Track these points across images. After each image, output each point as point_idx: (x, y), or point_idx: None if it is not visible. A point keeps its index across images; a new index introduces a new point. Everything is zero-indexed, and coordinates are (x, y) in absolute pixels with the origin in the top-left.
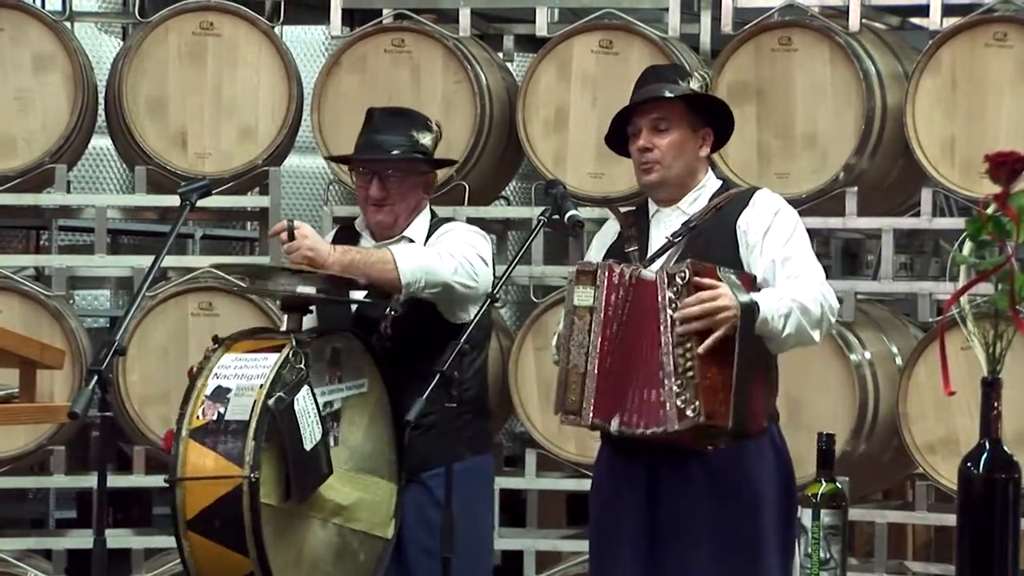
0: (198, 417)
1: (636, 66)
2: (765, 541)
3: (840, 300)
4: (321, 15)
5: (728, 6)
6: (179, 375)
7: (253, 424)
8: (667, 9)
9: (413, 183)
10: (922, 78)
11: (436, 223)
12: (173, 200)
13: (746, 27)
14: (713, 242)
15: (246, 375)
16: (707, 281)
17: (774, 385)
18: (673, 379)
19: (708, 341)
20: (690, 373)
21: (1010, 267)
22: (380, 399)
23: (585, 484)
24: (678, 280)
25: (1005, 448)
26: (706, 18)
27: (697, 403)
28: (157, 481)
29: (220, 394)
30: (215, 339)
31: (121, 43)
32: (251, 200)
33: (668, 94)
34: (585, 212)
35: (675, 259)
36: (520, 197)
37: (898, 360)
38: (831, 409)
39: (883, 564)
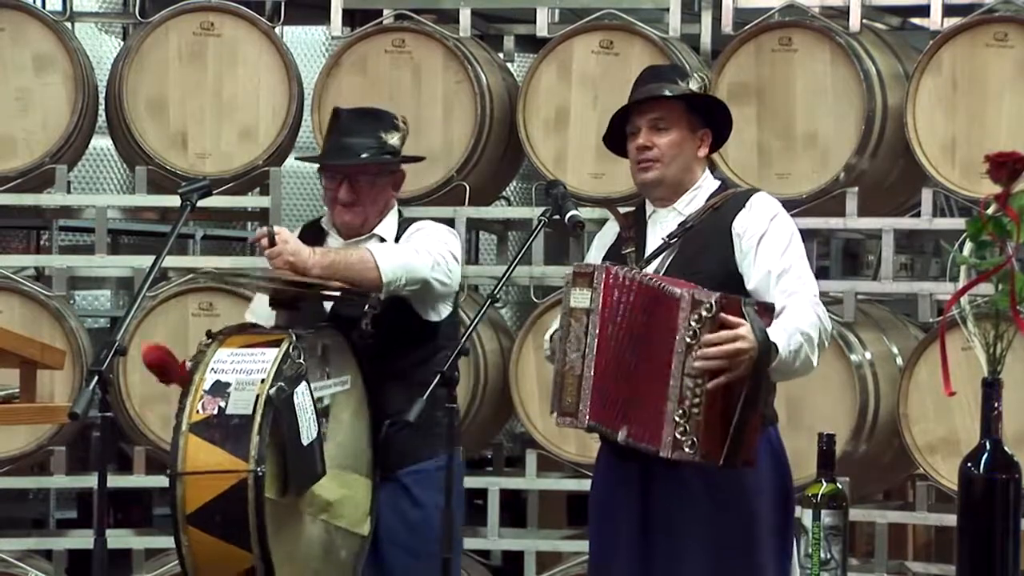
0: (198, 411)
1: (637, 66)
2: (760, 542)
3: (840, 300)
4: (321, 15)
5: (728, 6)
6: None
7: (258, 418)
8: (667, 9)
9: (382, 184)
10: (923, 78)
11: (404, 222)
12: (173, 200)
13: (746, 27)
14: (708, 243)
15: (245, 370)
16: (732, 319)
17: (771, 388)
18: (676, 407)
19: (720, 380)
20: (695, 410)
21: (1010, 267)
22: (361, 396)
23: (585, 484)
24: (703, 312)
25: (1006, 448)
26: (706, 18)
27: (694, 439)
28: (157, 481)
29: (219, 388)
30: (208, 333)
31: (121, 43)
32: (252, 200)
33: (668, 93)
34: (585, 212)
35: (669, 260)
36: (520, 197)
37: (898, 360)
38: (831, 409)
39: (883, 564)
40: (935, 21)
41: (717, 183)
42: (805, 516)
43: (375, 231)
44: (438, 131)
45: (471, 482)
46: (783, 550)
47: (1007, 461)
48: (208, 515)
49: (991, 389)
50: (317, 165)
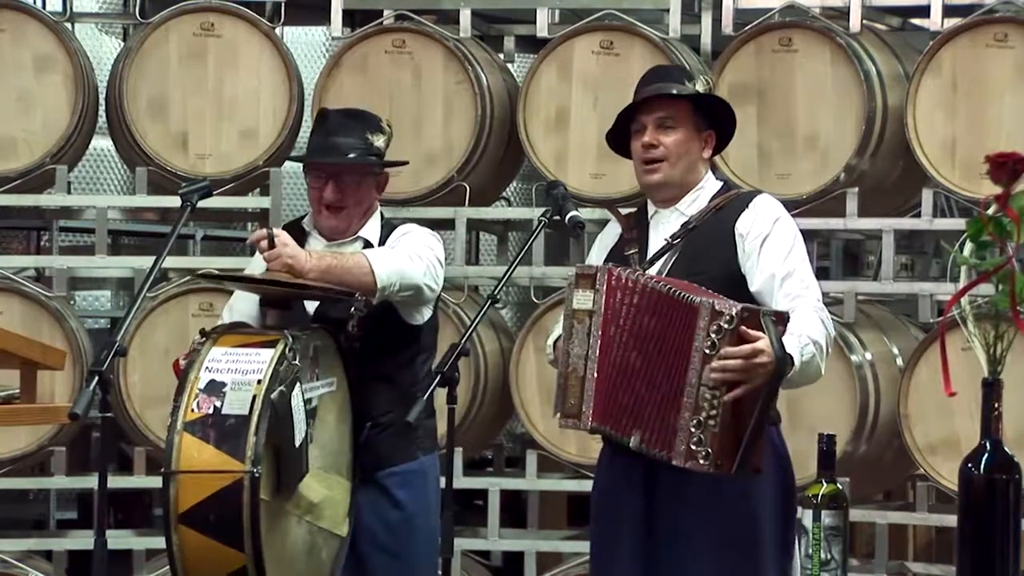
0: (192, 410)
1: (637, 67)
2: (763, 543)
3: (840, 301)
4: (322, 16)
5: (729, 7)
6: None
7: (255, 419)
8: (668, 10)
9: (367, 185)
10: (923, 79)
11: (386, 224)
12: (174, 201)
13: (747, 28)
14: (710, 244)
15: (240, 370)
16: (753, 333)
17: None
18: (691, 417)
19: (737, 392)
20: (711, 421)
21: (1011, 268)
22: (345, 398)
23: (586, 485)
24: (723, 323)
25: (1006, 449)
26: (707, 19)
27: (709, 451)
28: (158, 482)
29: (215, 388)
30: (202, 332)
31: (122, 44)
32: (252, 201)
33: (676, 92)
34: (586, 213)
35: (672, 261)
36: (521, 198)
37: (899, 361)
38: (832, 410)
39: (884, 565)
40: (935, 22)
41: (720, 184)
42: (805, 516)
43: (359, 234)
44: (438, 131)
45: (471, 482)
46: (785, 551)
47: (1007, 461)
48: (201, 514)
49: (991, 389)
50: None
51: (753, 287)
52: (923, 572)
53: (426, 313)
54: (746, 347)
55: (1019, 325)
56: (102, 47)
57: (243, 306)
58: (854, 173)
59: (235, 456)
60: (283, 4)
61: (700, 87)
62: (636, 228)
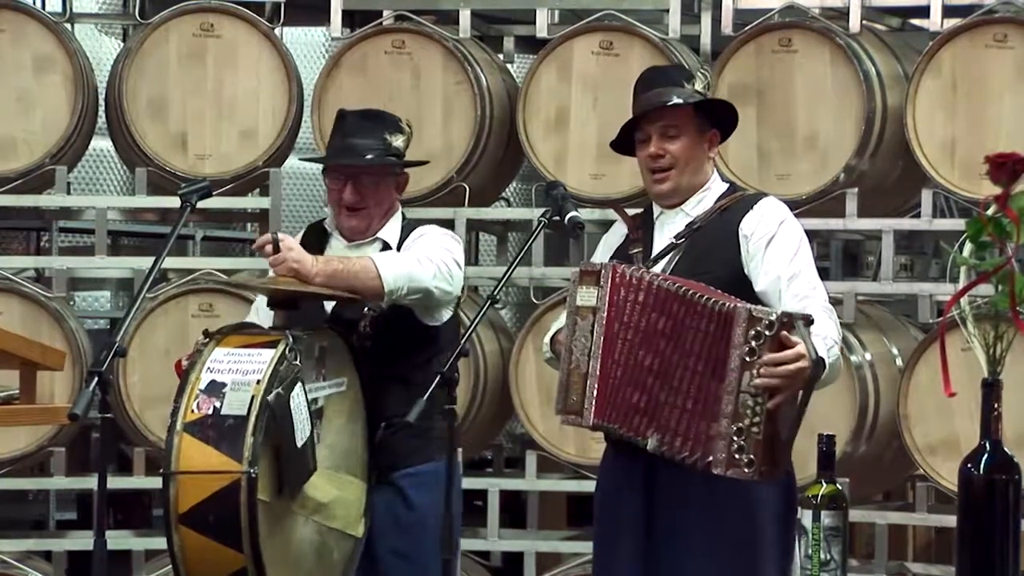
0: (192, 411)
1: (636, 67)
2: (763, 543)
3: (840, 301)
4: (321, 16)
5: (728, 7)
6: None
7: (252, 420)
8: (667, 10)
9: (387, 186)
10: (922, 79)
11: (408, 225)
12: (173, 202)
13: (746, 28)
14: (714, 245)
15: (241, 370)
16: (793, 338)
17: None
18: (730, 424)
19: (779, 398)
20: (755, 428)
21: (1010, 268)
22: (357, 398)
23: (585, 485)
24: (764, 330)
25: (1006, 449)
26: (706, 19)
27: (752, 458)
28: (157, 482)
29: (215, 388)
30: (205, 333)
31: (121, 44)
32: (252, 201)
33: (678, 100)
34: (585, 213)
35: (676, 261)
36: (520, 198)
37: (898, 361)
38: (831, 410)
39: (883, 565)
40: (935, 22)
41: (726, 185)
42: (805, 517)
43: (379, 235)
44: (438, 132)
45: (471, 483)
46: (785, 552)
47: (1007, 462)
48: (200, 515)
49: (991, 390)
50: (317, 166)
51: (758, 287)
52: (923, 572)
53: (444, 314)
54: (789, 352)
55: (1019, 325)
56: (102, 47)
57: (268, 310)
58: (854, 173)
59: (233, 456)
60: (283, 4)
61: (699, 85)
62: (641, 228)
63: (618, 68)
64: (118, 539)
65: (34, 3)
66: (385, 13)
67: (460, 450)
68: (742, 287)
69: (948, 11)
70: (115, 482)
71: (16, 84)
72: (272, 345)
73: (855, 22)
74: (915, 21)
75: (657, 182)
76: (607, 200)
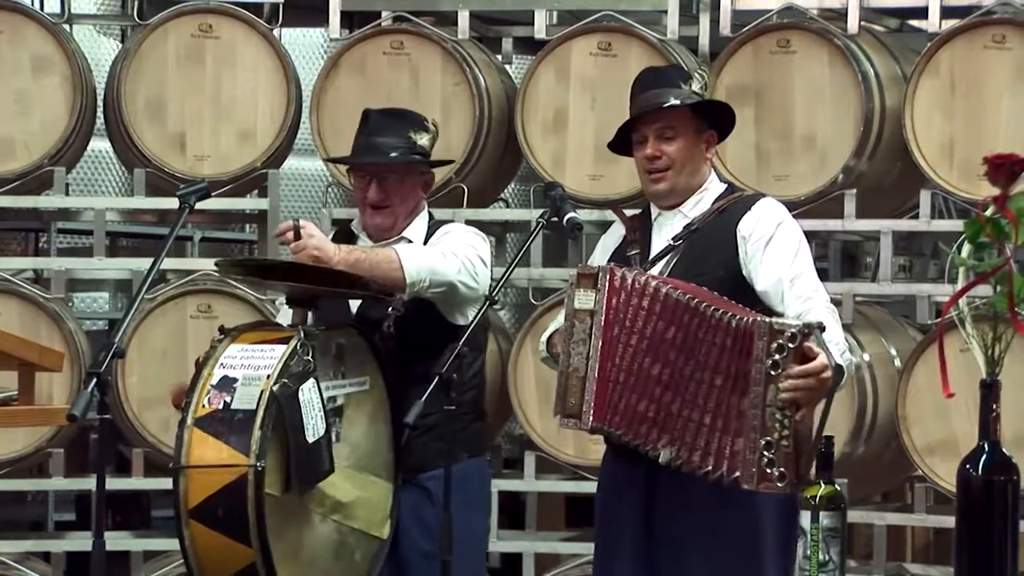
0: (203, 406)
1: (635, 68)
2: (763, 544)
3: (839, 302)
4: (320, 17)
5: (727, 8)
6: (178, 377)
7: (260, 413)
8: (666, 11)
9: (412, 184)
10: (921, 80)
11: (434, 224)
12: (172, 203)
13: (745, 29)
14: (712, 246)
15: (253, 365)
16: (815, 349)
17: None
18: (758, 438)
19: (805, 409)
20: (785, 442)
21: (1008, 269)
22: (381, 398)
23: (584, 486)
24: (787, 343)
25: (1004, 450)
26: (705, 20)
27: (783, 471)
28: (156, 483)
29: (226, 383)
30: (221, 329)
31: (120, 45)
32: (250, 202)
33: (675, 101)
34: (584, 214)
35: (674, 262)
36: (519, 199)
37: (897, 362)
38: (830, 411)
39: (882, 566)
40: (933, 23)
41: (724, 186)
42: (804, 518)
43: (404, 233)
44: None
45: None
46: (786, 553)
47: (1005, 463)
48: (210, 509)
49: (989, 391)
50: (315, 167)
51: (759, 288)
52: (921, 573)
53: (469, 312)
54: (815, 364)
55: (1017, 326)
56: (100, 48)
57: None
58: (852, 174)
59: (241, 450)
60: (281, 5)
61: (696, 85)
62: (639, 230)
63: (616, 69)
64: (117, 540)
65: (32, 4)
66: (384, 14)
67: (486, 456)
68: (741, 288)
69: (946, 12)
70: (113, 483)
71: (14, 85)
72: (285, 341)
73: (853, 23)
74: (913, 22)
75: (654, 182)
76: (605, 201)
